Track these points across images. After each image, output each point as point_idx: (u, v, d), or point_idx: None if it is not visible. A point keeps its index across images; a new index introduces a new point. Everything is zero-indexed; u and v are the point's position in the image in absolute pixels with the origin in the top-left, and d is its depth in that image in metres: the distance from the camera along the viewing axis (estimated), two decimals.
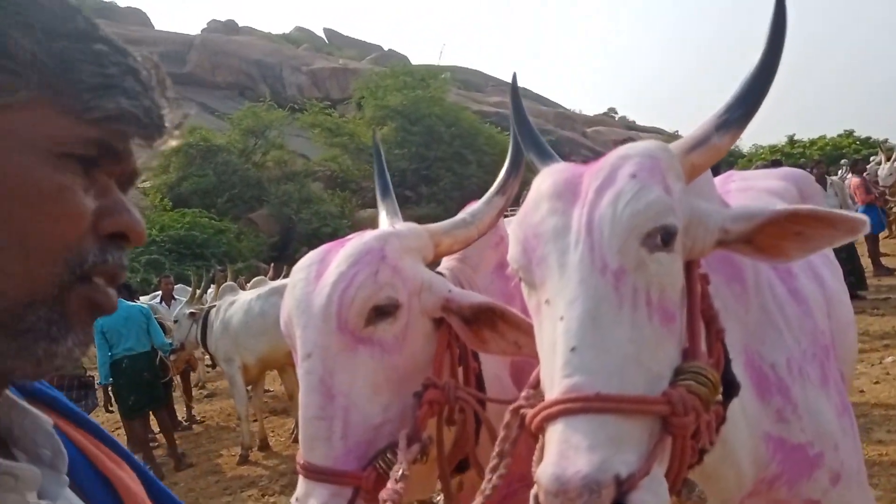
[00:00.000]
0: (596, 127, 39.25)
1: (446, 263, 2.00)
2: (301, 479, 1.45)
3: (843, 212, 1.25)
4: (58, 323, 0.57)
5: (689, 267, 1.27)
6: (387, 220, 1.99)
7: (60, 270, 0.57)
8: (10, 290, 0.54)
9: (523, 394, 1.25)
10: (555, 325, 1.10)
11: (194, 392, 9.84)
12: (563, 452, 0.98)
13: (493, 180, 1.93)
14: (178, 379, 8.27)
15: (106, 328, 6.63)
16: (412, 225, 1.81)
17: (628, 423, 1.01)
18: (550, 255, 1.17)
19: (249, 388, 7.19)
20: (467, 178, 25.89)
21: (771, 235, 1.26)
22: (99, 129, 0.58)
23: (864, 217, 1.24)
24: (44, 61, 0.55)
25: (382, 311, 1.50)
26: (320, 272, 1.56)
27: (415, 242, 1.68)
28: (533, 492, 1.00)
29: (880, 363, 6.13)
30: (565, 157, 1.59)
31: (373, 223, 1.92)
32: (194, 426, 8.46)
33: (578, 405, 1.00)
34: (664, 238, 1.16)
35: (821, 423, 1.60)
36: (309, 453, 1.44)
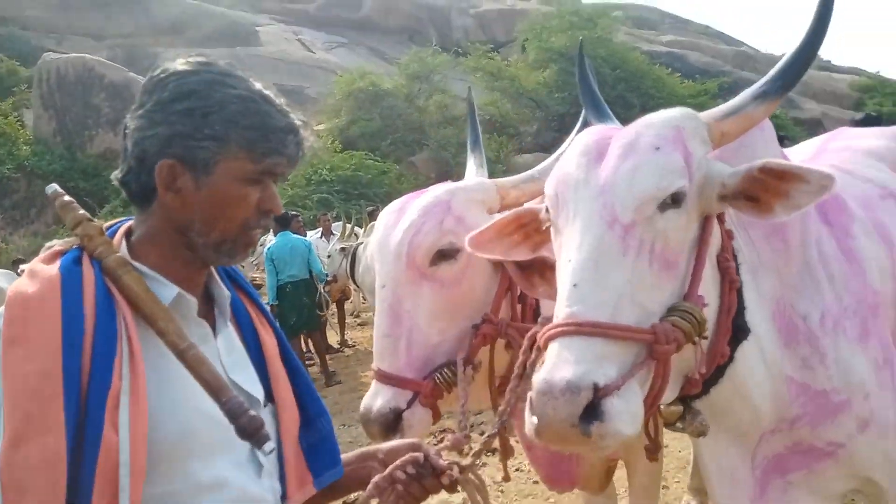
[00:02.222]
0: None
1: None
2: (373, 382, 1.82)
3: (811, 167, 1.35)
4: (232, 249, 1.15)
5: (706, 221, 1.44)
6: (473, 171, 2.29)
7: (239, 227, 1.14)
8: (217, 235, 1.13)
9: (539, 321, 1.49)
10: (566, 265, 1.34)
11: (349, 320, 10.82)
12: (555, 363, 1.22)
13: None
14: (333, 307, 9.19)
15: (275, 256, 7.54)
16: (481, 179, 2.10)
17: (614, 346, 1.24)
18: (569, 203, 1.40)
19: None
20: (629, 123, 24.76)
21: (769, 193, 1.39)
22: (265, 168, 1.13)
23: (830, 174, 1.32)
24: (240, 142, 1.10)
25: (444, 254, 1.82)
26: (398, 218, 1.91)
27: (480, 195, 1.96)
28: (529, 395, 1.26)
29: None
30: None
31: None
32: (346, 350, 9.38)
33: (572, 328, 1.24)
34: (674, 198, 1.35)
35: (850, 374, 1.71)
36: (380, 362, 1.81)
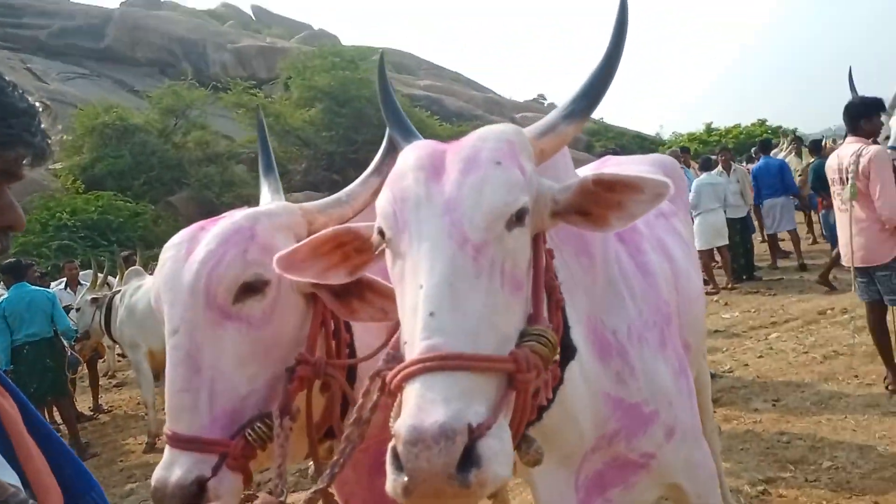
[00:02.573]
0: (524, 113, 39.62)
1: None
2: (167, 449, 1.48)
3: (646, 175, 1.35)
4: None
5: (536, 240, 1.37)
6: (268, 198, 2.03)
7: None
8: None
9: (382, 358, 1.30)
10: (416, 291, 1.17)
11: (103, 381, 9.56)
12: (421, 406, 1.04)
13: None
14: (84, 368, 8.04)
15: (8, 312, 6.40)
16: (285, 203, 1.86)
17: (479, 380, 1.10)
18: (412, 223, 1.24)
19: (157, 375, 7.04)
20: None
21: (600, 206, 1.36)
22: (3, 163, 0.87)
23: (666, 180, 1.32)
24: None
25: (251, 288, 1.55)
26: (190, 250, 1.60)
27: (287, 220, 1.72)
28: (390, 445, 1.06)
29: (766, 339, 6.55)
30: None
31: None
32: (101, 416, 8.23)
33: (435, 363, 1.07)
34: (518, 216, 1.26)
35: (656, 383, 1.75)
36: (175, 424, 1.48)
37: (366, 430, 1.31)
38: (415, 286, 1.18)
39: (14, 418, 0.95)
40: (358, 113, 27.54)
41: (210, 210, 22.28)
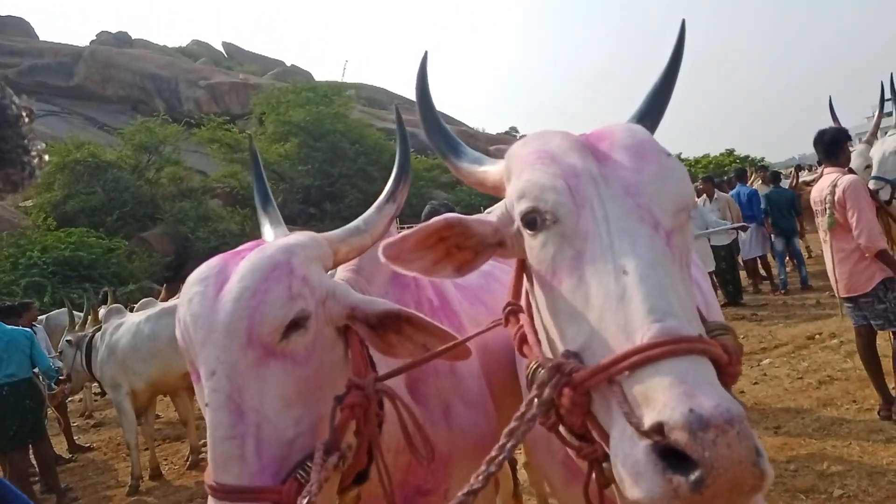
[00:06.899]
0: (498, 145, 40.14)
1: (341, 274, 1.97)
2: (213, 502, 1.37)
3: None
4: None
5: None
6: (271, 232, 1.94)
7: None
8: None
9: (561, 355, 1.15)
10: (615, 275, 1.08)
11: (80, 422, 9.23)
12: (687, 391, 0.92)
13: None
14: (53, 410, 7.75)
15: None
16: (310, 233, 1.77)
17: (712, 370, 1.00)
18: (593, 199, 1.16)
19: (140, 415, 6.80)
20: (372, 195, 24.85)
21: None
22: None
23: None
24: None
25: (296, 324, 1.47)
26: (219, 285, 1.50)
27: (317, 251, 1.64)
28: (640, 446, 0.92)
29: (758, 365, 6.54)
30: None
31: None
32: (79, 458, 7.92)
33: (682, 346, 0.96)
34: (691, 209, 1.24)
35: None
36: (222, 474, 1.37)
37: (532, 426, 1.15)
38: (611, 269, 1.09)
39: None
40: (333, 147, 27.53)
41: (185, 245, 22.09)
